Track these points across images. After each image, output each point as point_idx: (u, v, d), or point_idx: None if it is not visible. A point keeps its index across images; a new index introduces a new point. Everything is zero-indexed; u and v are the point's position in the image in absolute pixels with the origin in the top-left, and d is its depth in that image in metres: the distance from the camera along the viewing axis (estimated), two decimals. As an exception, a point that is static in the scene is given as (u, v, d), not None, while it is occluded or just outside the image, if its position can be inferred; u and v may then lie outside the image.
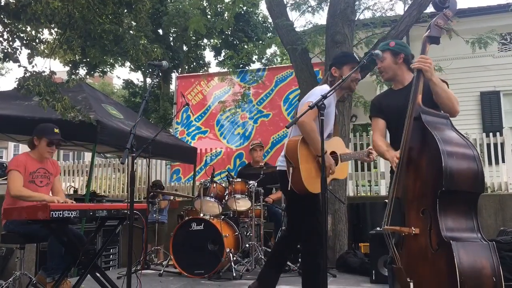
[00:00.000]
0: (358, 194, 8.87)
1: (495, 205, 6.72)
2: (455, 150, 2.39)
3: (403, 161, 2.59)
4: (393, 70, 2.97)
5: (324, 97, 2.87)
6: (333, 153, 3.47)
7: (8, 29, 5.83)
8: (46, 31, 6.45)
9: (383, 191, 8.36)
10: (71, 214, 3.43)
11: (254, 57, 17.63)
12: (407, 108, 2.64)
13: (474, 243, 2.30)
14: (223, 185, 5.76)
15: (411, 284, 2.44)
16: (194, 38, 18.71)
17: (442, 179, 2.31)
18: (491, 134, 7.69)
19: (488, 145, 7.60)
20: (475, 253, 2.26)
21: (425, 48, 2.69)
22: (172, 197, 7.62)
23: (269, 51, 18.33)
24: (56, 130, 4.29)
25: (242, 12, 17.94)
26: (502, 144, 7.60)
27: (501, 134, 7.66)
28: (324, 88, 3.35)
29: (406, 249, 2.55)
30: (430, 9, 5.96)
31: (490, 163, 7.51)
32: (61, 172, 10.14)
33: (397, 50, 2.95)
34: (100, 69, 17.61)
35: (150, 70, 18.44)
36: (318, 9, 7.64)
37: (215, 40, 19.95)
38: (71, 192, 8.05)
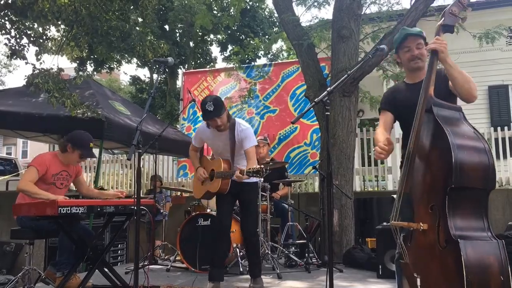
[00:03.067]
0: (365, 189, 8.86)
1: (503, 200, 6.68)
2: (466, 143, 2.31)
3: (413, 154, 2.51)
4: (425, 59, 2.83)
5: (330, 92, 2.88)
6: (212, 170, 4.17)
7: (16, 26, 5.88)
8: (53, 28, 6.50)
9: (390, 186, 8.34)
10: (79, 210, 3.47)
11: (260, 53, 17.61)
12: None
13: (482, 241, 2.25)
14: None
15: (418, 280, 2.41)
16: (200, 33, 18.71)
17: (452, 174, 2.24)
18: (499, 128, 7.64)
19: (496, 140, 7.55)
20: (483, 251, 2.22)
21: (439, 36, 2.59)
22: (170, 193, 7.62)
23: (275, 47, 18.32)
24: (91, 145, 4.32)
25: (248, 7, 17.91)
26: (511, 139, 7.55)
27: (509, 128, 7.62)
28: None
29: (414, 244, 2.51)
30: (437, 2, 5.93)
31: (498, 157, 7.46)
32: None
33: (425, 38, 2.86)
34: (107, 66, 17.68)
35: (157, 66, 18.48)
36: (324, 3, 7.59)
37: (222, 36, 19.95)
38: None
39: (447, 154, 2.27)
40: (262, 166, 3.60)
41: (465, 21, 2.64)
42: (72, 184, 4.62)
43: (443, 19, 2.60)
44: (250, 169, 3.63)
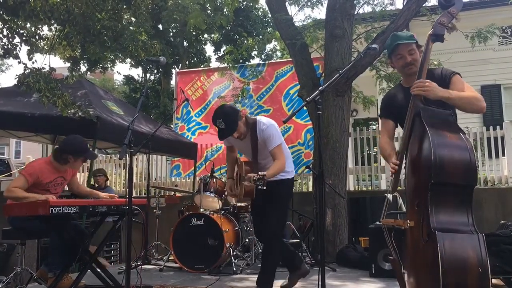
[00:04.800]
0: (359, 188, 8.88)
1: (495, 199, 6.72)
2: (446, 141, 2.40)
3: (402, 156, 2.62)
4: (419, 63, 2.80)
5: (322, 91, 2.88)
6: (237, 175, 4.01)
7: (8, 25, 5.84)
8: (45, 28, 6.46)
9: (384, 185, 8.36)
10: (71, 210, 3.45)
11: (254, 52, 17.61)
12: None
13: (462, 235, 2.31)
14: (223, 180, 5.76)
15: (405, 275, 2.51)
16: (194, 33, 18.69)
17: (432, 170, 2.33)
18: (491, 127, 7.68)
19: (489, 139, 7.59)
20: (462, 244, 2.27)
21: (428, 46, 2.64)
22: (164, 193, 7.61)
23: (268, 46, 18.33)
24: (89, 145, 4.28)
25: (242, 7, 17.91)
26: (503, 138, 7.58)
27: (501, 128, 7.64)
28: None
29: (406, 242, 2.61)
30: (429, 2, 5.96)
31: (490, 156, 7.50)
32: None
33: (417, 42, 2.83)
34: (101, 65, 17.61)
35: (150, 66, 18.45)
36: (317, 3, 7.62)
37: (216, 35, 19.94)
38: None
39: (428, 152, 2.37)
40: (265, 173, 3.38)
41: (453, 31, 2.67)
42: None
43: (432, 29, 2.65)
44: (253, 176, 3.32)
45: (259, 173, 3.31)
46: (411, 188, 2.59)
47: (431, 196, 2.36)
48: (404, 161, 2.72)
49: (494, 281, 4.05)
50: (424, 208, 2.40)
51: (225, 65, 10.85)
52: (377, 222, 4.92)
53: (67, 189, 4.66)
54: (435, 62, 6.45)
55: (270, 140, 3.69)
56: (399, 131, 3.10)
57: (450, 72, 2.74)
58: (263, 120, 3.81)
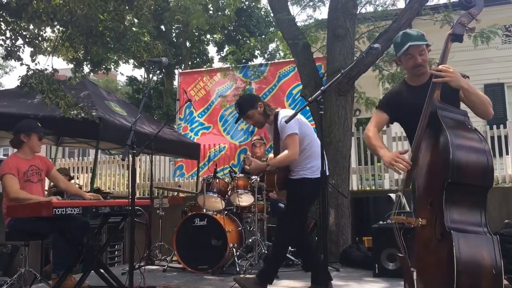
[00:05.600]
0: (362, 188, 8.87)
1: (499, 198, 6.69)
2: (465, 143, 2.38)
3: (415, 154, 2.57)
4: (427, 65, 2.79)
5: (324, 91, 2.88)
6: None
7: (11, 27, 5.86)
8: (48, 29, 6.48)
9: (387, 185, 8.35)
10: (74, 211, 3.46)
11: (257, 52, 17.59)
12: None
13: (476, 235, 2.30)
14: (226, 180, 5.76)
15: (414, 273, 2.48)
16: (196, 33, 18.70)
17: (449, 170, 2.31)
18: (495, 126, 7.65)
19: (492, 138, 7.57)
20: (477, 244, 2.26)
21: (447, 46, 2.61)
22: (167, 193, 7.61)
23: (271, 46, 18.30)
24: (39, 124, 4.36)
25: (244, 7, 17.91)
26: (506, 137, 7.56)
27: (505, 127, 7.62)
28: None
29: (416, 240, 2.59)
30: (431, 1, 5.94)
31: (494, 155, 7.44)
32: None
33: (428, 42, 2.77)
34: (104, 66, 17.64)
35: (153, 67, 18.47)
36: (319, 3, 7.61)
37: (218, 36, 19.94)
38: (76, 189, 8.10)
39: (446, 152, 2.34)
40: (249, 154, 3.45)
41: (473, 32, 2.65)
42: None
43: (452, 28, 2.62)
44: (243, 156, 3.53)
45: (246, 154, 3.41)
46: (423, 186, 2.57)
47: (447, 196, 2.34)
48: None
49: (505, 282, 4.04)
50: (438, 207, 2.38)
51: (228, 65, 10.85)
52: (381, 222, 4.92)
53: (52, 184, 4.69)
54: (437, 62, 6.43)
55: (283, 131, 3.67)
56: (401, 131, 3.08)
57: (462, 74, 2.68)
58: (283, 112, 3.83)
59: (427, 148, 2.56)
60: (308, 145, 3.73)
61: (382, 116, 2.96)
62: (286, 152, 3.65)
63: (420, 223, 2.48)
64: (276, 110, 3.89)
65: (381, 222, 4.90)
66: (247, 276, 4.01)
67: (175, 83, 18.14)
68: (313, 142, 3.76)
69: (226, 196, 5.57)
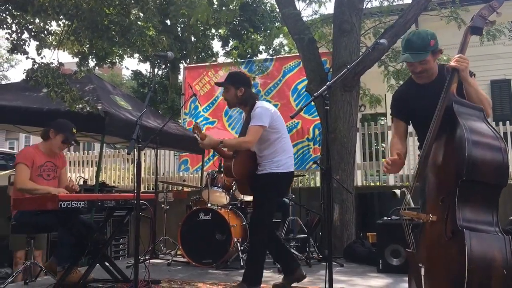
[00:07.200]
0: (367, 184, 8.86)
1: (504, 195, 6.51)
2: (481, 140, 2.34)
3: (429, 149, 2.53)
4: (432, 68, 2.71)
5: (330, 86, 2.87)
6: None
7: (17, 21, 5.87)
8: (54, 23, 6.49)
9: (392, 181, 8.34)
10: (80, 204, 3.48)
11: (262, 47, 17.56)
12: (437, 105, 2.50)
13: (488, 235, 2.28)
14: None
15: (422, 270, 2.46)
16: (201, 28, 18.66)
17: (464, 168, 2.27)
18: (500, 123, 7.61)
19: (498, 134, 7.52)
20: (488, 244, 2.25)
21: (466, 39, 2.56)
22: (172, 188, 7.63)
23: (276, 41, 18.27)
24: (74, 131, 4.32)
25: (250, 2, 17.85)
26: (512, 133, 7.53)
27: (511, 123, 7.59)
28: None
29: (424, 236, 2.56)
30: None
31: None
32: (72, 163, 10.25)
33: (436, 47, 2.65)
34: (109, 60, 17.65)
35: (158, 61, 18.47)
36: (325, -3, 7.57)
37: (223, 30, 19.90)
38: (81, 182, 8.13)
39: (461, 148, 2.30)
40: (197, 122, 3.46)
41: (494, 25, 2.61)
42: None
43: (472, 21, 2.58)
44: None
45: (196, 122, 3.45)
46: (435, 182, 2.53)
47: (460, 193, 2.31)
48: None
49: None
50: (450, 204, 2.35)
51: (232, 60, 10.82)
52: (385, 218, 4.92)
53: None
54: (444, 58, 6.40)
55: (253, 119, 3.63)
56: (411, 128, 3.06)
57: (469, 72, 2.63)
58: (262, 103, 3.78)
59: (440, 143, 2.50)
60: (277, 140, 3.71)
61: (398, 124, 2.94)
62: (243, 138, 3.69)
63: (431, 219, 2.44)
64: (257, 102, 3.79)
65: (385, 218, 4.89)
66: (233, 284, 3.95)
67: (180, 77, 18.15)
68: (282, 137, 3.75)
69: (231, 190, 5.58)
